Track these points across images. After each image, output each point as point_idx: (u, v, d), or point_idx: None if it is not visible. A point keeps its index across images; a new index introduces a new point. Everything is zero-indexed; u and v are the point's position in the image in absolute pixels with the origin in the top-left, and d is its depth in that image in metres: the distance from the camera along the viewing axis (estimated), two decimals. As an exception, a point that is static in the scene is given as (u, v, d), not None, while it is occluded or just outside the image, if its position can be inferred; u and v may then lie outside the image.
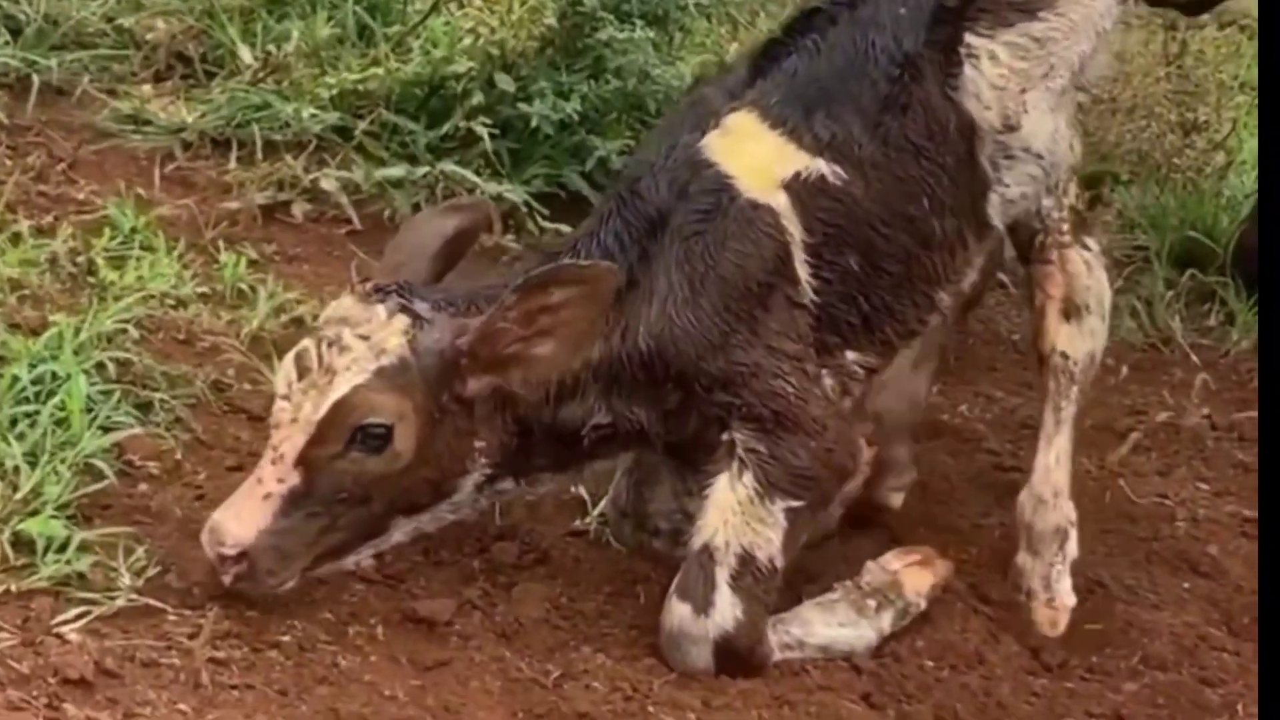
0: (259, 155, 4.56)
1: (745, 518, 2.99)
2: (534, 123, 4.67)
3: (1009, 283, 5.02)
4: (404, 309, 2.81)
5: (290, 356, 2.82)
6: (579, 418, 2.98)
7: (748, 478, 2.99)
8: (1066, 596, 3.44)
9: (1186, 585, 3.62)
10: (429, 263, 2.99)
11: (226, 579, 2.77)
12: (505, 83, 4.74)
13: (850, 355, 3.17)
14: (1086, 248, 3.51)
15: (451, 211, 3.19)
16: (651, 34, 4.92)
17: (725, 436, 3.02)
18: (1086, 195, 5.16)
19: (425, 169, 4.61)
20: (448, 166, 4.60)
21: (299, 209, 4.51)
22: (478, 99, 4.73)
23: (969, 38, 3.22)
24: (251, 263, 4.10)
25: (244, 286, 3.98)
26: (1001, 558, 3.57)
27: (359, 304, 2.84)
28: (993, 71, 3.22)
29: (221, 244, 4.14)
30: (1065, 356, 3.47)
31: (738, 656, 3.00)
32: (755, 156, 3.07)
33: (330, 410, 2.73)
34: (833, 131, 3.10)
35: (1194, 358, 4.63)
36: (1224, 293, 4.89)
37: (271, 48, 4.91)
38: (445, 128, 4.75)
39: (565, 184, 4.79)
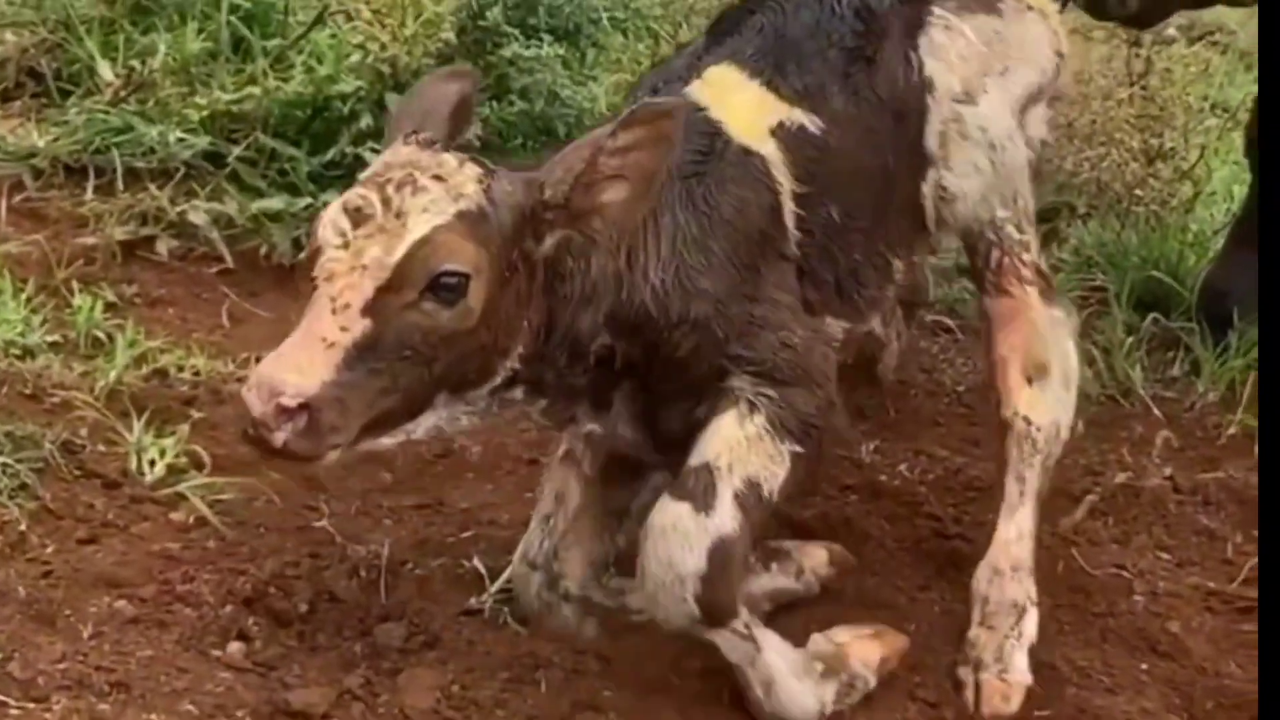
0: (119, 185, 4.58)
1: (753, 451, 3.10)
2: (429, 149, 4.69)
3: (954, 328, 5.10)
4: (472, 158, 2.87)
5: (336, 208, 2.79)
6: (590, 330, 3.03)
7: (759, 418, 3.11)
8: (1021, 673, 3.47)
9: (1145, 667, 3.63)
10: (446, 124, 3.00)
11: (280, 437, 2.67)
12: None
13: (828, 319, 3.33)
14: (1054, 308, 3.63)
15: (454, 76, 3.21)
16: (561, 51, 5.00)
17: (730, 383, 3.14)
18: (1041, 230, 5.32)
19: (307, 200, 4.63)
20: (332, 197, 4.54)
21: (164, 245, 4.52)
22: (366, 122, 4.76)
23: (936, 7, 3.51)
24: (109, 306, 4.09)
25: (100, 334, 3.98)
26: (944, 635, 3.60)
27: (422, 150, 2.86)
28: (959, 40, 3.49)
29: (76, 285, 4.13)
30: (1028, 422, 3.56)
31: (727, 570, 3.04)
32: (741, 105, 3.25)
33: (410, 251, 2.73)
34: (805, 82, 3.32)
35: (1156, 411, 4.65)
36: (1189, 339, 4.93)
37: (135, 63, 4.93)
38: (330, 154, 4.78)
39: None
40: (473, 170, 2.83)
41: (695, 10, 6.12)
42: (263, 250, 4.56)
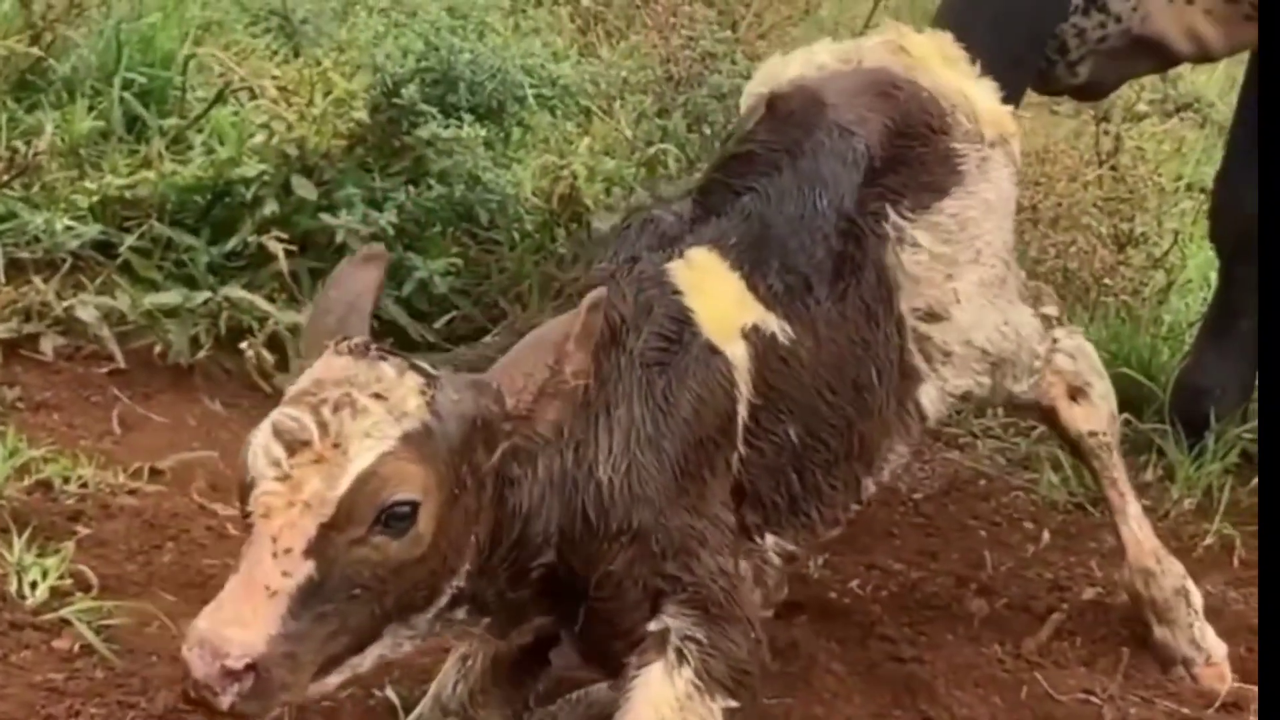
0: (0, 277, 4.56)
1: (683, 714, 3.05)
2: (339, 237, 4.73)
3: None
4: (411, 366, 2.83)
5: (267, 434, 2.74)
6: (535, 545, 3.01)
7: (687, 671, 3.06)
8: (1218, 645, 4.01)
9: (1115, 799, 3.72)
10: (369, 319, 2.99)
11: (225, 700, 2.63)
12: (305, 189, 4.81)
13: (770, 539, 3.33)
14: (1058, 342, 3.94)
15: (368, 260, 3.16)
16: (483, 131, 5.01)
17: (654, 626, 3.09)
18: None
19: (206, 294, 4.64)
20: (234, 291, 4.64)
21: (49, 344, 4.52)
22: (271, 209, 4.78)
23: (892, 215, 3.53)
24: (-11, 411, 4.10)
25: (-24, 441, 3.98)
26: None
27: (358, 361, 2.81)
28: (912, 255, 3.53)
29: (-50, 389, 4.15)
30: (1094, 434, 3.96)
31: None
32: (718, 298, 3.27)
33: (355, 484, 2.69)
34: (788, 284, 3.35)
35: (1127, 522, 4.73)
36: (1162, 442, 5.02)
37: (18, 144, 4.93)
38: (231, 243, 4.80)
39: (379, 313, 4.81)
40: (414, 381, 2.78)
41: (630, 86, 6.20)
42: (157, 349, 4.58)
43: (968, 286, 3.60)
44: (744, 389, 3.23)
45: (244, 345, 4.49)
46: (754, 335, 3.27)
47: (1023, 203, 6.06)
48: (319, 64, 5.19)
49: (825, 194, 3.46)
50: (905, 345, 3.52)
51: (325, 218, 4.77)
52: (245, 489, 2.73)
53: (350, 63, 5.36)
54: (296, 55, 5.90)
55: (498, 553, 2.96)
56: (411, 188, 4.94)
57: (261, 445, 2.73)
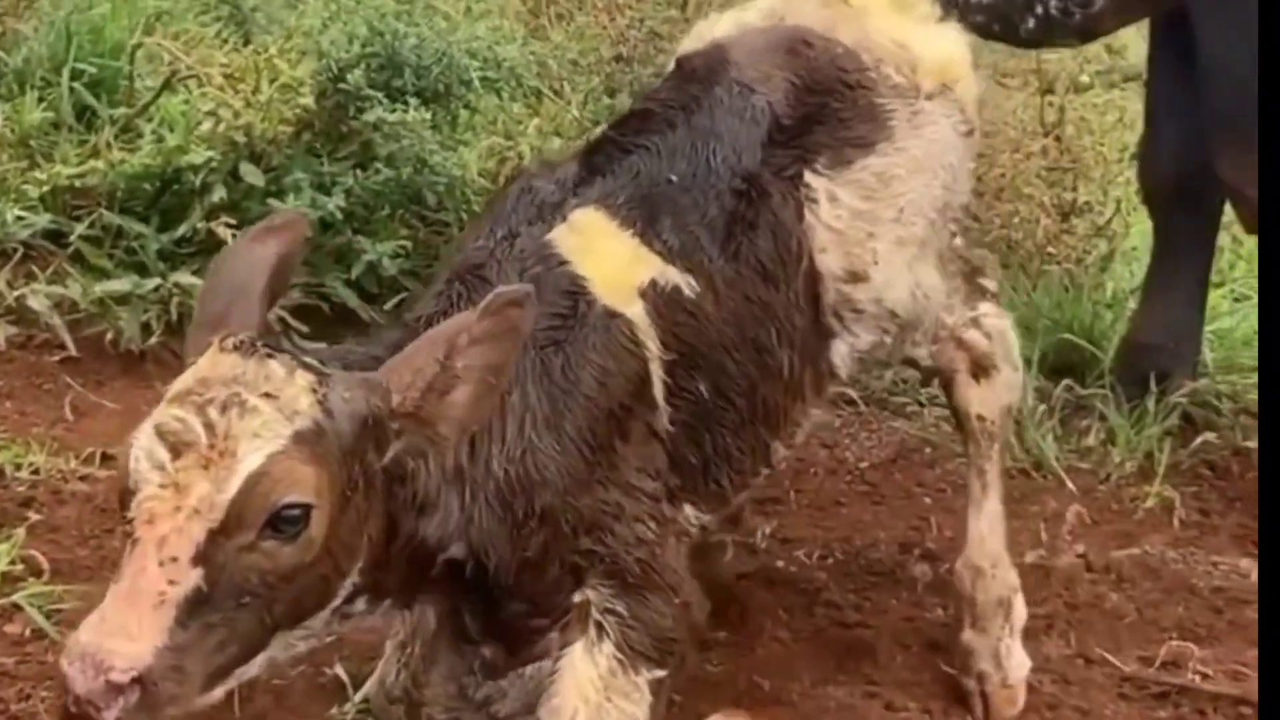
0: (-49, 268, 4.57)
1: (607, 693, 3.03)
2: (288, 222, 4.72)
3: (858, 400, 5.17)
4: (301, 363, 2.70)
5: (149, 436, 2.60)
6: (437, 539, 2.93)
7: (608, 645, 3.03)
8: (1020, 668, 3.76)
9: (1056, 761, 3.73)
10: (258, 303, 2.85)
11: (109, 716, 2.50)
12: (253, 175, 4.81)
13: (688, 508, 3.25)
14: (979, 318, 3.77)
15: (267, 234, 3.01)
16: (429, 115, 5.00)
17: (577, 598, 3.06)
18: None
19: (156, 281, 4.65)
20: (184, 277, 4.64)
21: (1, 333, 4.51)
22: (220, 195, 4.78)
23: (807, 174, 3.41)
24: (-61, 400, 4.10)
25: (-71, 431, 3.98)
26: (843, 734, 3.66)
27: (246, 359, 2.67)
28: (834, 214, 3.40)
29: (-97, 380, 4.14)
30: (982, 419, 3.77)
31: None
32: (609, 258, 3.16)
33: (244, 486, 2.56)
34: (682, 240, 3.23)
35: (1070, 484, 4.76)
36: (1104, 407, 5.03)
37: (-32, 136, 4.94)
38: (181, 230, 4.80)
39: (328, 295, 4.84)
40: (304, 379, 2.66)
41: (580, 68, 6.19)
42: (109, 336, 4.59)
43: (887, 246, 3.46)
44: (653, 347, 3.12)
45: (195, 330, 4.46)
46: (653, 291, 3.15)
47: (967, 174, 6.08)
48: (265, 51, 5.16)
49: (720, 150, 3.34)
50: (821, 304, 3.41)
51: (274, 203, 4.76)
52: (126, 494, 2.59)
53: (296, 49, 5.33)
54: (247, 43, 5.88)
55: (394, 546, 2.86)
56: (359, 172, 4.94)
57: (144, 448, 2.59)
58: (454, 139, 5.35)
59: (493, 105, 5.72)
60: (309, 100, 4.95)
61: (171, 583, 2.53)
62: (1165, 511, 4.66)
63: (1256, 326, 4.70)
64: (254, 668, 2.72)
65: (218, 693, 2.66)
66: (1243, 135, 4.37)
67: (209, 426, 2.57)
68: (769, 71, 3.47)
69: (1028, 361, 5.17)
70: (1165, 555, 4.35)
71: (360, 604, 2.86)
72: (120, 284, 4.64)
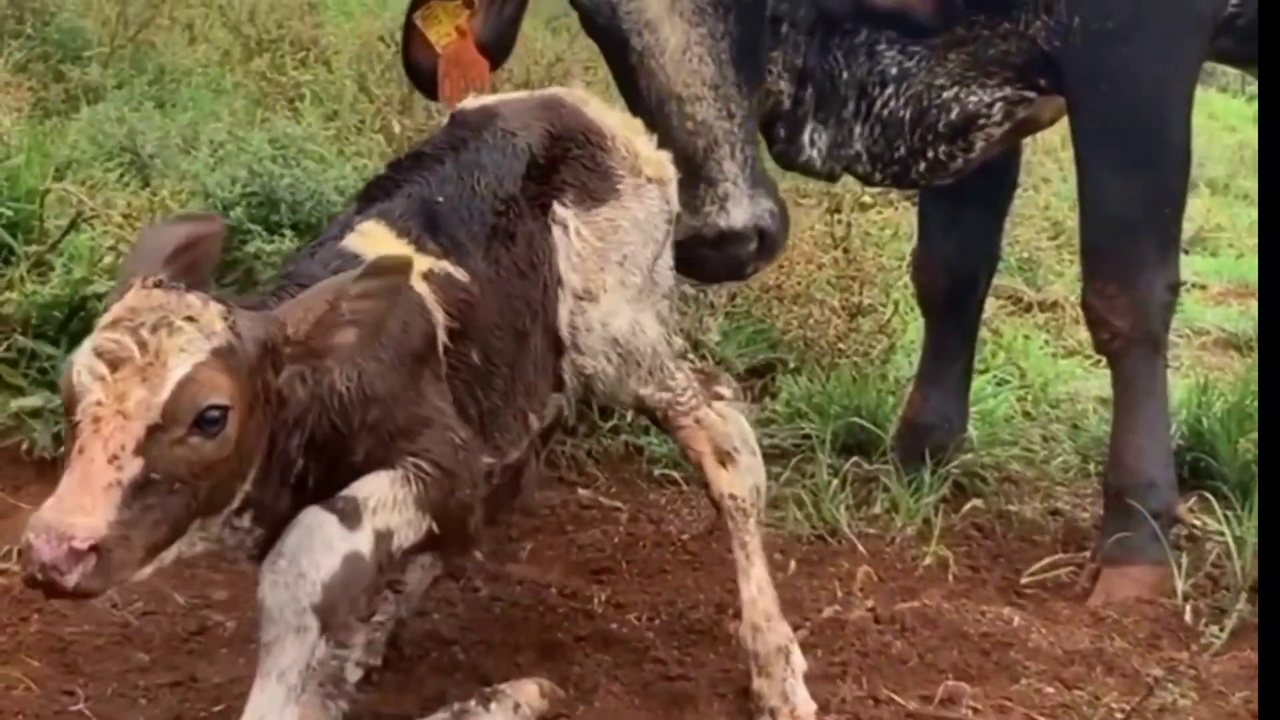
0: (-118, 390, 4.48)
1: (397, 509, 3.15)
2: (181, 342, 4.67)
3: (679, 480, 5.20)
4: (213, 298, 2.91)
5: (89, 354, 2.77)
6: (292, 455, 3.10)
7: (410, 490, 3.17)
8: (805, 702, 3.80)
9: (845, 792, 3.75)
10: (164, 268, 3.01)
11: (71, 579, 2.65)
12: (149, 302, 4.74)
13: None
14: (718, 398, 3.87)
15: (180, 220, 3.29)
16: (301, 245, 4.99)
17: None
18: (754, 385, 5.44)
19: (65, 397, 4.57)
20: (90, 393, 4.56)
21: (-75, 445, 4.44)
22: (121, 320, 4.71)
23: (557, 206, 3.62)
24: None
25: None
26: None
27: (167, 294, 2.86)
28: (577, 241, 3.61)
29: None
30: (734, 498, 3.82)
31: (350, 586, 3.06)
32: (394, 252, 3.30)
33: (176, 389, 2.76)
34: (452, 244, 3.42)
35: (860, 548, 4.79)
36: (888, 479, 5.10)
37: (-103, 275, 4.85)
38: (87, 351, 4.72)
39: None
40: (217, 308, 2.87)
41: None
42: (24, 446, 4.52)
43: (613, 281, 3.63)
44: (438, 315, 3.31)
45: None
46: (433, 276, 3.33)
47: (767, 282, 6.17)
48: (160, 193, 5.14)
49: (484, 179, 3.54)
50: (559, 313, 3.59)
51: (168, 325, 4.68)
52: (72, 402, 2.76)
53: (187, 190, 5.32)
54: (145, 186, 5.82)
55: (271, 462, 3.04)
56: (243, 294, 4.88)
57: (85, 364, 2.78)
58: (326, 266, 5.33)
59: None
60: (198, 235, 4.91)
61: (118, 470, 2.70)
62: (941, 568, 4.72)
63: (1109, 383, 4.81)
64: (169, 555, 2.88)
65: (149, 569, 2.83)
66: (1109, 267, 4.48)
67: (142, 344, 2.77)
68: (529, 121, 3.68)
69: (822, 442, 5.26)
70: (941, 606, 4.37)
71: (246, 519, 3.06)
72: (34, 400, 4.59)
